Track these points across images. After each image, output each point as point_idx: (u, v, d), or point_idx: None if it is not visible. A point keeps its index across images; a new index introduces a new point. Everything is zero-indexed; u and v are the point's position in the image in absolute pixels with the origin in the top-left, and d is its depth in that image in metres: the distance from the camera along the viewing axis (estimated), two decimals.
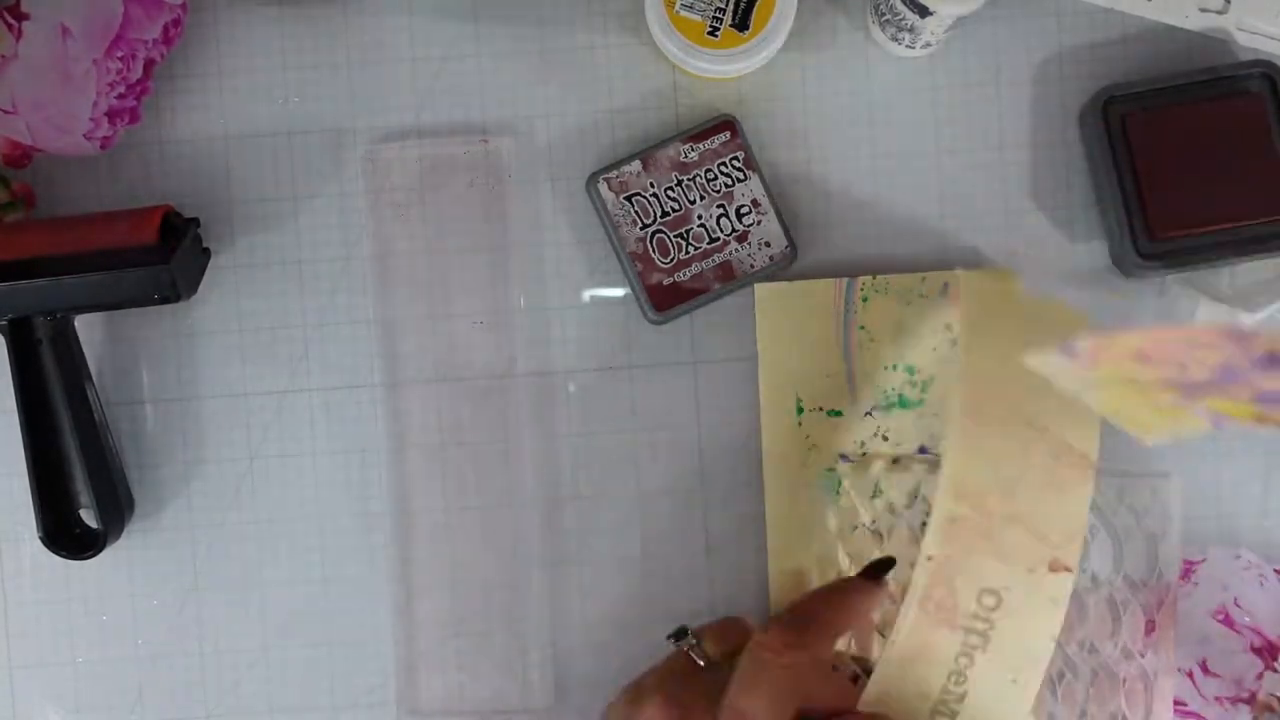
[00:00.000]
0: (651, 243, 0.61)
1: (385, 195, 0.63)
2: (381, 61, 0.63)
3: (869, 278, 0.62)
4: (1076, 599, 0.60)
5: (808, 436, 0.62)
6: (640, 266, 0.61)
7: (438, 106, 0.63)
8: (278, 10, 0.63)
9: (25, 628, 0.63)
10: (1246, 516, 0.62)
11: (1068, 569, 0.57)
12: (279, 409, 0.63)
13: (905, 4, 0.58)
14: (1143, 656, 0.61)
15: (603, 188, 0.61)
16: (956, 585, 0.55)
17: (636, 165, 0.61)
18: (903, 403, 0.62)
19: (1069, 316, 0.59)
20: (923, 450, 0.62)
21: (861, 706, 0.55)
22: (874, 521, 0.61)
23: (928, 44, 0.61)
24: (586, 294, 0.63)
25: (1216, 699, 0.62)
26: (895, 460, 0.62)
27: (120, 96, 0.59)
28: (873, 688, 0.55)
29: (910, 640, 0.55)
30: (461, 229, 0.62)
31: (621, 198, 0.61)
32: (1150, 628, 0.61)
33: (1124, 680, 0.61)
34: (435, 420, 0.62)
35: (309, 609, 0.63)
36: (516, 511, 0.63)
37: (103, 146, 0.60)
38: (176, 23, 0.60)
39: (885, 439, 0.62)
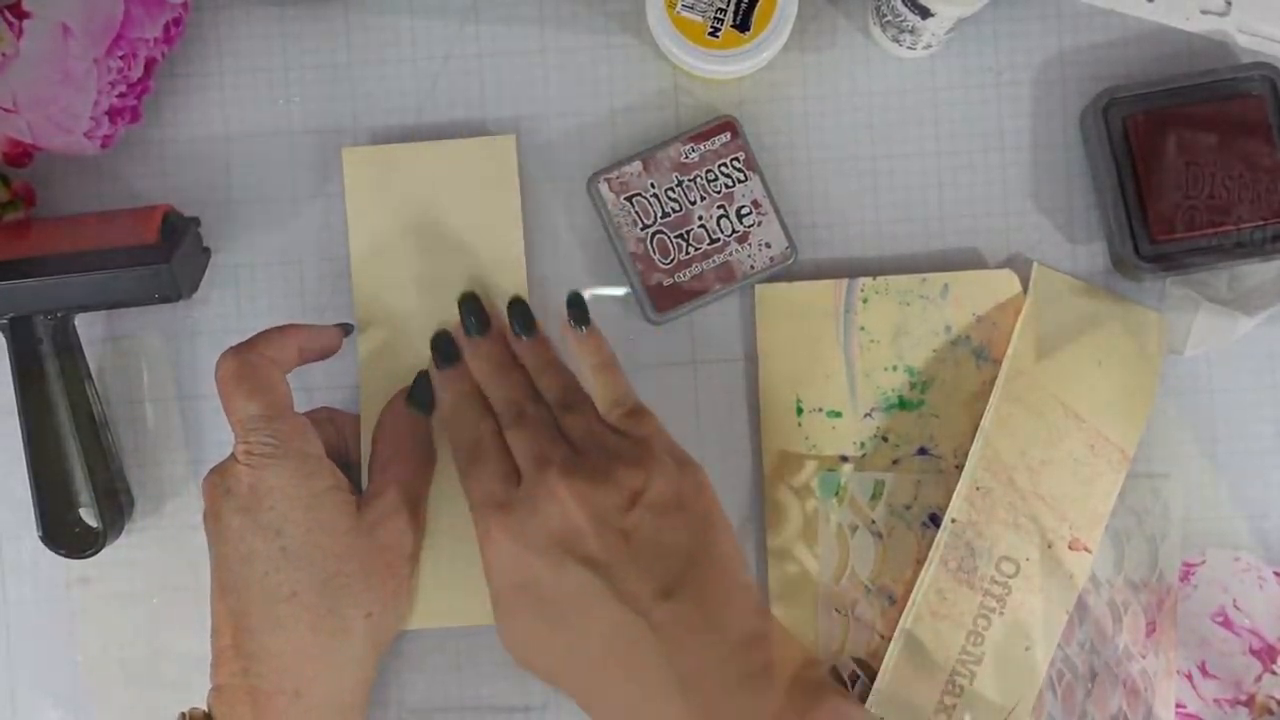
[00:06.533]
0: (652, 243, 0.61)
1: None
2: (381, 61, 0.63)
3: (869, 278, 0.62)
4: (1078, 600, 0.61)
5: (808, 437, 0.62)
6: (641, 267, 0.61)
7: (438, 106, 0.63)
8: (278, 10, 0.63)
9: (25, 627, 0.63)
10: (1246, 518, 0.62)
11: (1087, 549, 0.60)
12: None
13: (906, 5, 0.58)
14: (1144, 658, 0.61)
15: (603, 188, 0.61)
16: (976, 549, 0.60)
17: (637, 165, 0.61)
18: (903, 403, 0.62)
19: (1142, 316, 0.61)
20: (923, 451, 0.62)
21: (881, 676, 0.59)
22: (874, 522, 0.61)
23: (928, 45, 0.61)
24: (586, 294, 0.63)
25: (1215, 701, 0.62)
26: (895, 460, 0.62)
27: (121, 95, 0.59)
28: (897, 644, 0.60)
29: (931, 593, 0.60)
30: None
31: (622, 198, 0.61)
32: (1151, 629, 0.61)
33: (1124, 681, 0.61)
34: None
35: None
36: None
37: (103, 145, 0.60)
38: (177, 22, 0.60)
39: (885, 439, 0.62)
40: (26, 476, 0.60)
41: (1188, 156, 0.59)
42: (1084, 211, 0.63)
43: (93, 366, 0.61)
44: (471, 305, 0.60)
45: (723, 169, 0.61)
